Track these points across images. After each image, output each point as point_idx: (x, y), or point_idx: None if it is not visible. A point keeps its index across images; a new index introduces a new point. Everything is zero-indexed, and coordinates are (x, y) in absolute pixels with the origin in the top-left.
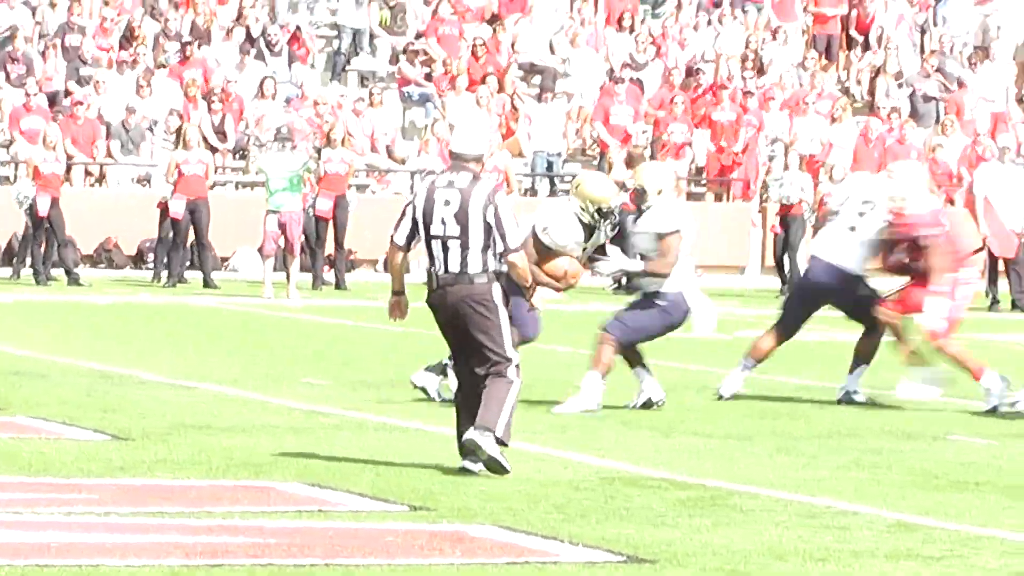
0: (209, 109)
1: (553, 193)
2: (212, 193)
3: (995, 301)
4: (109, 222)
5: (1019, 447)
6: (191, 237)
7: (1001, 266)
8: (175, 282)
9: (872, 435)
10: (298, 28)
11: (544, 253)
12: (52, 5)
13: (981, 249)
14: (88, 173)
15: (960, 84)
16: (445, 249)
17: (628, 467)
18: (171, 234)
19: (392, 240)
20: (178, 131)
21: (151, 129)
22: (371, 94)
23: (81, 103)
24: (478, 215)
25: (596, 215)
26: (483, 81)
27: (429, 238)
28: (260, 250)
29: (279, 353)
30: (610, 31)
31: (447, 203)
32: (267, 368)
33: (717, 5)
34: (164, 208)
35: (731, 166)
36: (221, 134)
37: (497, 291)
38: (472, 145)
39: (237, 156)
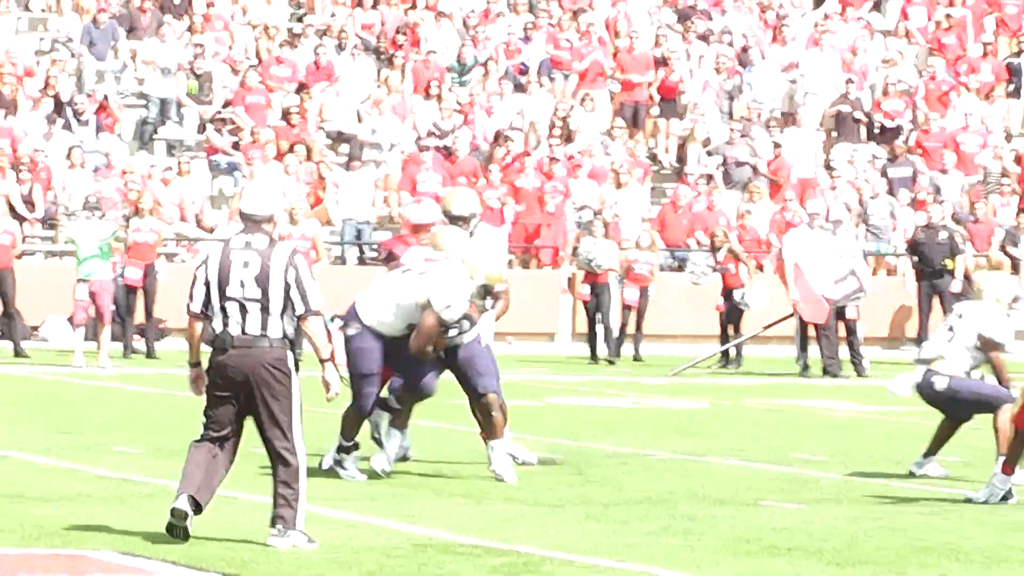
0: (17, 179)
1: (362, 262)
2: (21, 262)
3: (806, 367)
4: None
5: (830, 512)
6: None
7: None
8: None
9: (683, 501)
10: (105, 97)
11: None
12: None
13: (791, 315)
14: None
15: (776, 152)
16: (243, 312)
17: (441, 534)
18: None
19: (189, 310)
20: None
21: None
22: (179, 163)
23: None
24: (279, 277)
25: (483, 291)
26: (291, 150)
27: (224, 300)
28: (70, 319)
29: (90, 422)
30: (417, 99)
31: (246, 264)
32: (78, 437)
33: (524, 72)
34: None
35: (535, 234)
36: (30, 204)
37: (291, 359)
38: (262, 206)
39: (46, 225)
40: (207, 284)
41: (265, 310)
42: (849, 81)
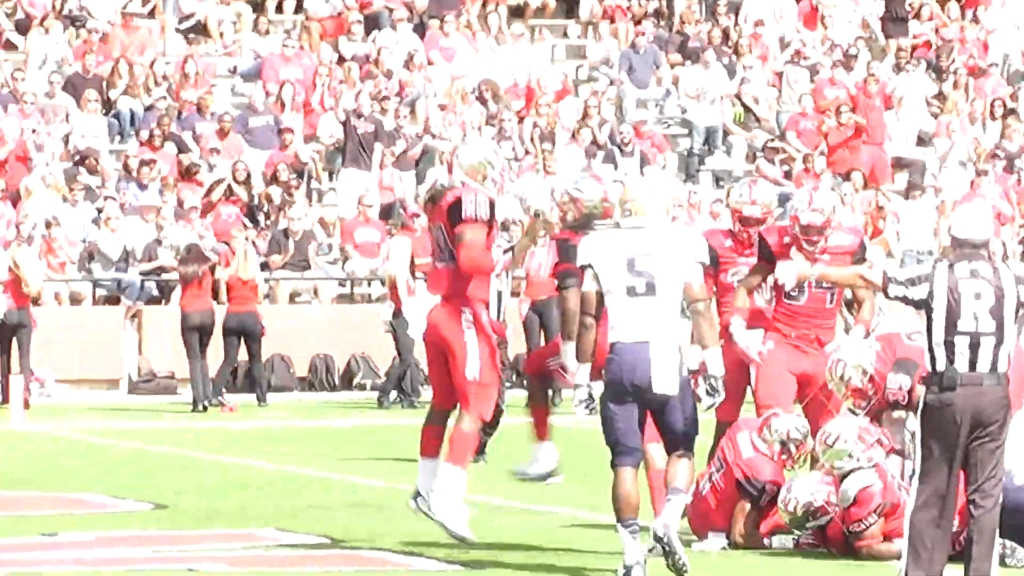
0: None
1: None
2: None
3: None
4: None
5: None
6: None
7: None
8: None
9: None
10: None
11: None
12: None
13: None
14: None
15: None
16: (974, 347)
17: None
18: None
19: None
20: None
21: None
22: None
23: (417, 215)
24: (1012, 310)
25: None
26: (847, 177)
27: (954, 334)
28: None
29: None
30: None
31: (978, 296)
32: None
33: None
34: None
35: None
36: None
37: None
38: (978, 229)
39: None
40: (938, 310)
41: (999, 343)
42: None
